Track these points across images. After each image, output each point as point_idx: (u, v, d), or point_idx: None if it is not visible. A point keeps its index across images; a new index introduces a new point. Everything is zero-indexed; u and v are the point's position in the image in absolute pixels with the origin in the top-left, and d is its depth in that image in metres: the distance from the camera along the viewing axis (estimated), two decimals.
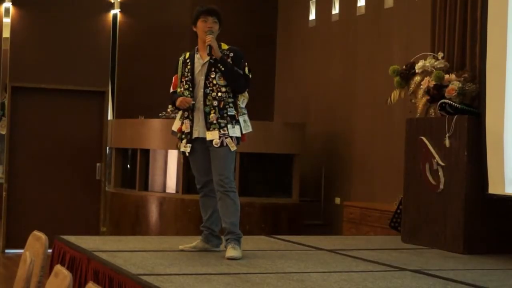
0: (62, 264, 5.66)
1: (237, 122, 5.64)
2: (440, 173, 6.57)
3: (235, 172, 8.93)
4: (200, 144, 5.66)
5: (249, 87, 5.74)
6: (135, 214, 9.69)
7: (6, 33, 10.44)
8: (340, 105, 9.75)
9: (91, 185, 10.69)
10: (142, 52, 10.83)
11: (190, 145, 5.67)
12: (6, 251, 10.30)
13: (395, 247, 6.63)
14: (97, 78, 10.72)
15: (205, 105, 5.60)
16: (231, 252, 5.55)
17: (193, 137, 5.65)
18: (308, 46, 10.51)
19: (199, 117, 5.64)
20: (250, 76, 5.72)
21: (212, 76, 5.62)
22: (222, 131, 5.57)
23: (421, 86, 6.87)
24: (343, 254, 6.09)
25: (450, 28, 7.09)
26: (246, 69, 5.69)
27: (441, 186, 6.57)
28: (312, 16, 10.46)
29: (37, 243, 3.85)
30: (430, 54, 7.07)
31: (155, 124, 9.62)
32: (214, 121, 5.58)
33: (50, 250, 4.79)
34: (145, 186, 9.82)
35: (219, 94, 5.59)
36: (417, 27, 8.24)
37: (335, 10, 9.93)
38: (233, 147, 5.58)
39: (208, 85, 5.61)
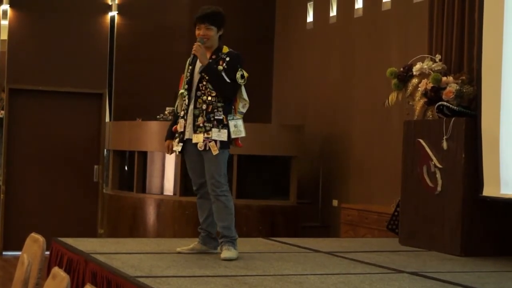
0: (60, 266, 5.65)
1: (225, 126, 5.60)
2: (438, 175, 6.57)
3: (232, 174, 9.02)
4: (191, 146, 5.67)
5: (235, 95, 5.65)
6: (132, 216, 9.68)
7: (4, 35, 10.43)
8: (337, 107, 9.74)
9: (89, 187, 10.68)
10: (140, 54, 10.82)
11: (182, 144, 5.70)
12: (4, 253, 10.28)
13: (393, 249, 6.63)
14: (95, 80, 10.71)
15: (195, 107, 5.63)
16: (225, 253, 5.58)
17: (185, 138, 5.69)
18: (306, 48, 10.51)
19: (190, 119, 5.66)
20: (243, 82, 5.64)
21: (205, 80, 5.63)
22: (206, 135, 5.57)
23: (419, 89, 6.87)
24: (340, 256, 6.09)
25: (448, 30, 7.09)
26: (239, 75, 5.61)
27: (439, 188, 6.57)
28: (310, 18, 10.46)
29: (34, 245, 3.85)
30: (427, 57, 7.07)
31: (153, 126, 9.61)
32: (201, 125, 5.60)
33: (47, 252, 4.78)
34: (142, 188, 9.81)
35: (209, 98, 5.60)
36: (415, 29, 8.24)
37: (333, 12, 9.93)
38: (215, 151, 5.55)
39: (201, 88, 5.63)
